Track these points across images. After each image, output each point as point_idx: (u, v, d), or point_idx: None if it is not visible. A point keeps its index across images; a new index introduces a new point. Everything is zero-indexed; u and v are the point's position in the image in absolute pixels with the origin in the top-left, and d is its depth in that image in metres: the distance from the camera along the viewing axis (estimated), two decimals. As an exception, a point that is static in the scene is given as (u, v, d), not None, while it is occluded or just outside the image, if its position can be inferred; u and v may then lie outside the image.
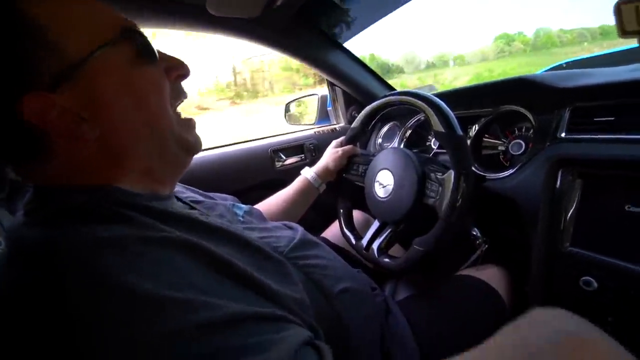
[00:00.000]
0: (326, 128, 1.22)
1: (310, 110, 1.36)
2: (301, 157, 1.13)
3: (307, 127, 1.28)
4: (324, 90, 1.28)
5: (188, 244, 0.31)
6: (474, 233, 0.72)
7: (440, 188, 0.64)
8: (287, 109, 1.42)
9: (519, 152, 0.77)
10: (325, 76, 1.12)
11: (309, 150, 1.13)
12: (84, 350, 0.23)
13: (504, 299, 0.65)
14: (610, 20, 0.42)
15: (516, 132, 0.81)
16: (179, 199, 0.48)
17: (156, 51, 0.38)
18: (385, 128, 1.17)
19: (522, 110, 0.74)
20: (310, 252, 0.52)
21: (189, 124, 0.42)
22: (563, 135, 0.64)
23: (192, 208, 0.47)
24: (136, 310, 0.24)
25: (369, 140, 1.20)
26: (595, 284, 0.55)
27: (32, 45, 0.29)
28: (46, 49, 0.30)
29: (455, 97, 0.88)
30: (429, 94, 0.70)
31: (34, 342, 0.25)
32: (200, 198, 0.56)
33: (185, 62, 0.40)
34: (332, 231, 0.89)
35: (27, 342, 0.25)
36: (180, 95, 0.41)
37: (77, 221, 0.30)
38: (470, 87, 0.91)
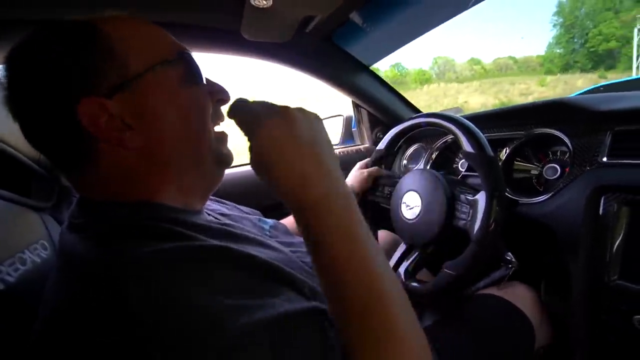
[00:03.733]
0: (351, 148, 1.23)
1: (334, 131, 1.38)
2: (325, 176, 1.13)
3: (331, 147, 1.30)
4: (348, 111, 1.30)
5: (231, 252, 0.32)
6: (507, 257, 0.68)
7: (470, 210, 0.62)
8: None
9: (554, 177, 0.74)
10: (351, 98, 1.14)
11: (334, 169, 1.14)
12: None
13: (530, 320, 0.62)
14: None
15: (550, 156, 0.78)
16: (207, 213, 0.49)
17: (203, 76, 0.40)
18: (411, 150, 1.16)
19: (558, 133, 0.71)
20: None
21: (222, 137, 0.44)
22: (605, 159, 0.61)
23: (221, 222, 0.48)
24: (205, 322, 0.25)
25: (394, 162, 1.19)
26: None
27: (100, 58, 0.33)
28: (111, 62, 0.33)
29: (484, 119, 0.87)
30: (456, 115, 0.69)
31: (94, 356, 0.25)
32: (227, 211, 0.56)
33: (226, 89, 0.43)
34: None
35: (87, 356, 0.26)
36: (219, 118, 0.43)
37: (128, 238, 0.31)
38: (501, 109, 0.89)
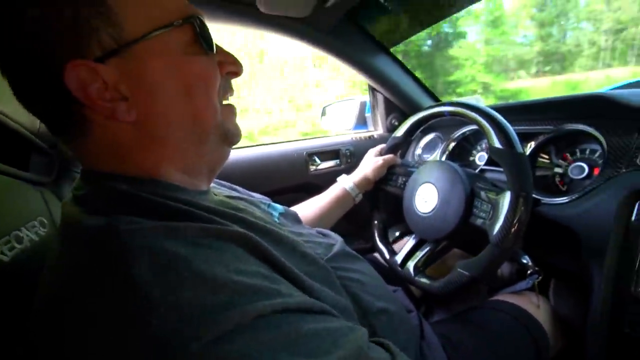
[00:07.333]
0: (363, 135, 1.18)
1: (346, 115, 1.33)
2: (336, 162, 1.10)
3: (343, 132, 1.25)
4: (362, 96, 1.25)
5: (243, 237, 0.30)
6: (524, 261, 0.65)
7: (491, 209, 0.58)
8: (323, 113, 1.40)
9: (581, 177, 0.69)
10: (368, 81, 1.08)
11: (345, 155, 1.10)
12: (161, 334, 0.22)
13: (544, 329, 0.61)
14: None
15: (578, 154, 0.73)
16: (215, 194, 0.47)
17: (214, 44, 0.37)
18: (427, 139, 1.11)
19: (591, 130, 0.66)
20: (350, 266, 0.49)
21: (230, 110, 0.40)
22: (644, 162, 0.56)
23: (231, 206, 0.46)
24: (212, 294, 0.24)
25: (407, 151, 1.15)
26: None
27: (92, 14, 0.28)
28: (105, 21, 0.29)
29: (510, 111, 0.82)
30: (484, 106, 0.64)
31: (101, 326, 0.24)
32: (235, 194, 0.54)
33: (239, 61, 0.39)
34: None
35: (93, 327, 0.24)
36: (227, 91, 0.40)
37: (133, 211, 0.29)
38: (530, 101, 0.83)
